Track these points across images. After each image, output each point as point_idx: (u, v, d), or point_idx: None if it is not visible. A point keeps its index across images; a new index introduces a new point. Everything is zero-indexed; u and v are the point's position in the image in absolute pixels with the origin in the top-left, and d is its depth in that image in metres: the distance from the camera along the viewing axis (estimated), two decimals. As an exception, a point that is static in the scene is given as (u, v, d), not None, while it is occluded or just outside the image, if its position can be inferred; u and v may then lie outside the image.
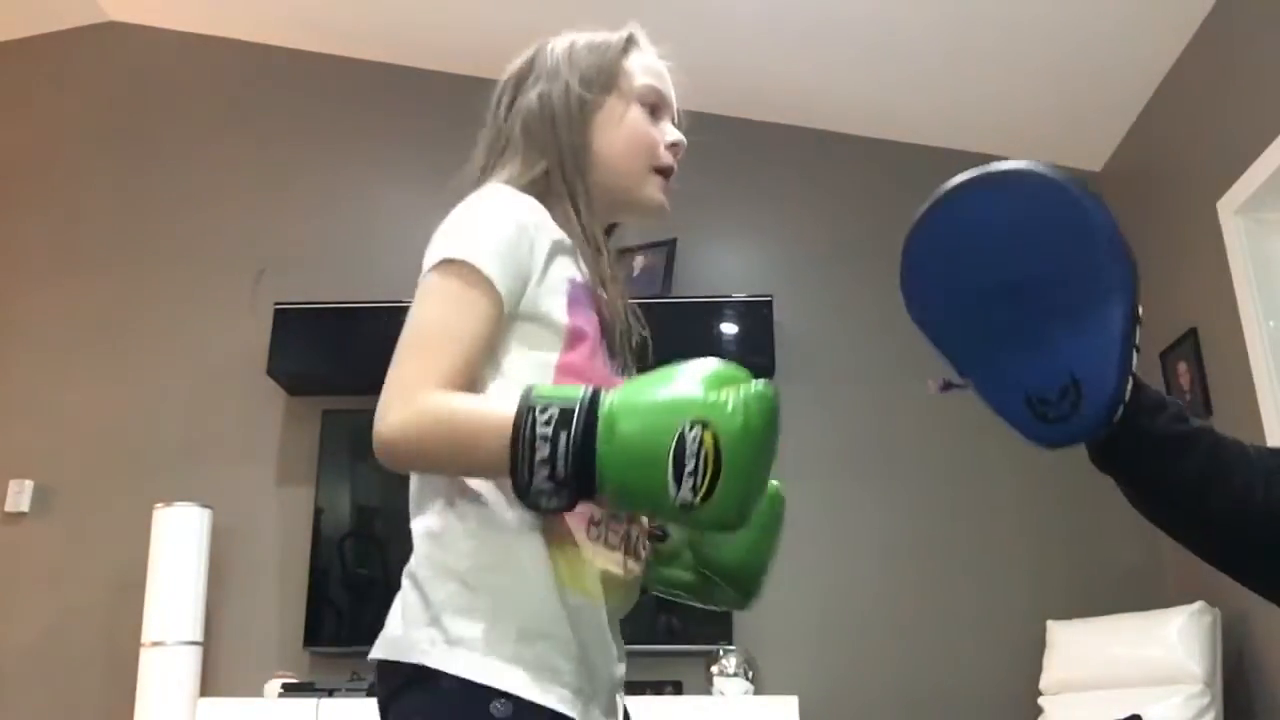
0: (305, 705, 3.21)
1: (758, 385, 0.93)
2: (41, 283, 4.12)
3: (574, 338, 1.07)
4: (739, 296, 3.83)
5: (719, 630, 3.54)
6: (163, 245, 4.15)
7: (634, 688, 3.39)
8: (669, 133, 1.22)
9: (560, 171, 1.15)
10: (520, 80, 1.29)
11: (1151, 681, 3.03)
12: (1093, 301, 0.94)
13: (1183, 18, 3.33)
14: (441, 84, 4.36)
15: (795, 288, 3.98)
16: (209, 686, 3.47)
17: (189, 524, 3.49)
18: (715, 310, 3.79)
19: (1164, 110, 3.64)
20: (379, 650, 1.08)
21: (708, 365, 0.95)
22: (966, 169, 0.96)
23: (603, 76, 1.19)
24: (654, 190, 1.23)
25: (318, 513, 3.71)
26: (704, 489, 0.90)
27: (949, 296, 1.02)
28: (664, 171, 1.23)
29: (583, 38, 1.27)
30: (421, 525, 1.09)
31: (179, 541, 3.46)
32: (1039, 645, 3.38)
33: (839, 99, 4.05)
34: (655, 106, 1.22)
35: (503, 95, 1.31)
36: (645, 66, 1.24)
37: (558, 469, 0.91)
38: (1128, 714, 2.79)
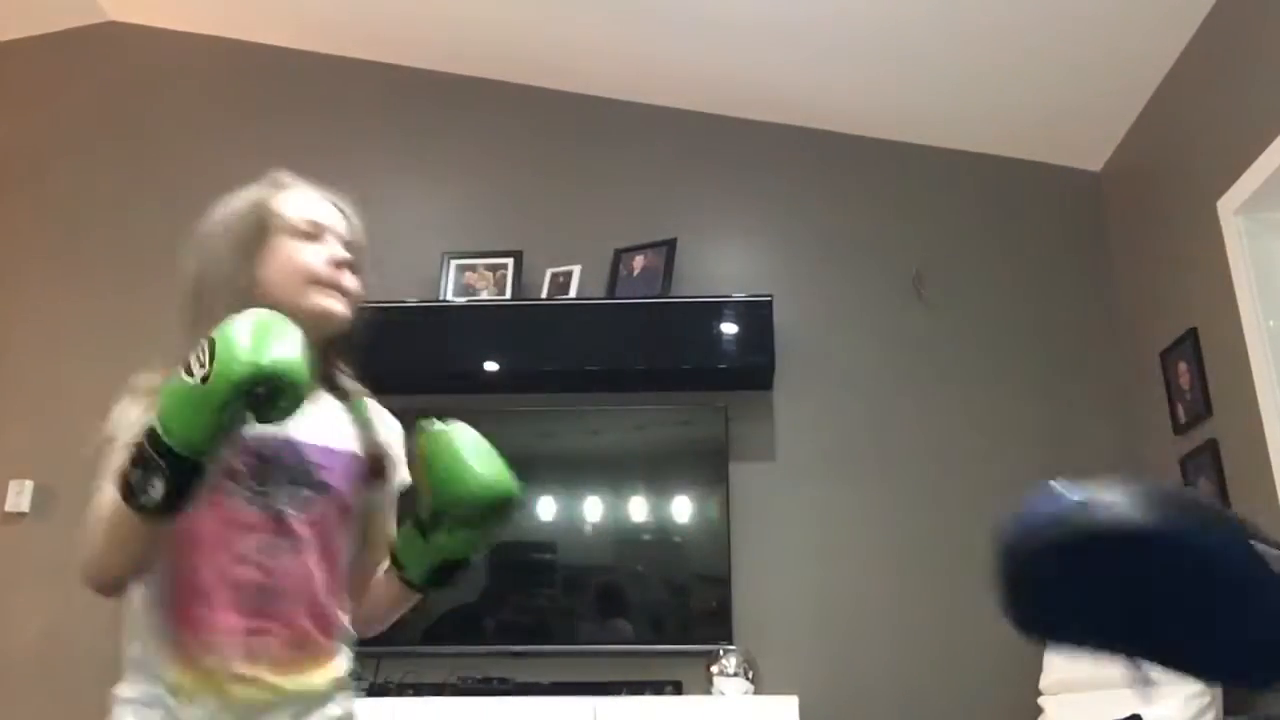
0: (305, 705, 3.21)
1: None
2: (41, 283, 4.12)
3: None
4: (739, 296, 3.83)
5: (719, 630, 3.54)
6: (162, 245, 4.13)
7: (634, 688, 3.41)
8: (324, 251, 1.39)
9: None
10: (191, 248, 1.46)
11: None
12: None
13: (1183, 17, 3.33)
14: (441, 84, 4.36)
15: (795, 288, 3.98)
16: (209, 686, 3.47)
17: (189, 524, 3.49)
18: (715, 310, 3.79)
19: (1164, 110, 3.64)
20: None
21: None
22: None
23: (256, 229, 1.38)
24: (316, 300, 1.37)
25: (318, 513, 3.71)
26: (207, 361, 1.12)
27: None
28: (327, 283, 1.38)
29: (234, 202, 1.44)
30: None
31: (179, 541, 3.46)
32: (1038, 645, 3.38)
33: (839, 99, 4.05)
34: (310, 234, 1.40)
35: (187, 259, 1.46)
36: (296, 202, 1.43)
37: (146, 453, 1.13)
38: (1128, 714, 2.79)
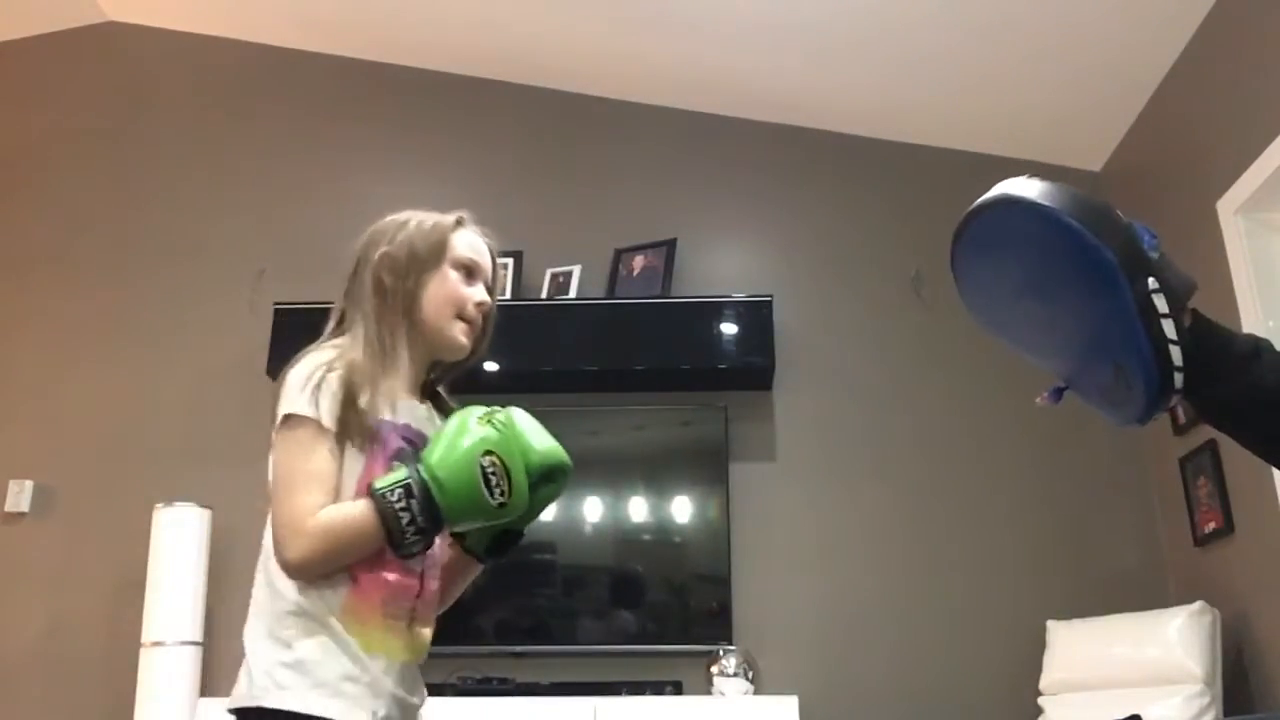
0: (305, 705, 3.21)
1: (507, 410, 1.45)
2: (41, 283, 4.12)
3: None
4: (739, 296, 3.83)
5: (719, 630, 3.54)
6: (162, 245, 4.15)
7: (634, 688, 3.41)
8: (476, 294, 1.58)
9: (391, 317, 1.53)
10: (368, 243, 1.65)
11: (1151, 681, 3.03)
12: (1091, 292, 1.01)
13: (1183, 18, 3.33)
14: (442, 84, 4.36)
15: (795, 288, 3.98)
16: (209, 686, 3.47)
17: (189, 524, 3.49)
18: (715, 310, 3.79)
19: (1164, 110, 3.64)
20: None
21: (469, 413, 1.41)
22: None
23: (434, 252, 1.58)
24: (458, 333, 1.57)
25: (318, 513, 3.71)
26: (507, 491, 1.37)
27: (993, 302, 1.14)
28: (468, 320, 1.58)
29: (423, 217, 1.65)
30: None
31: (179, 541, 3.46)
32: (1039, 645, 3.38)
33: (839, 99, 4.05)
34: (470, 272, 1.59)
35: (360, 252, 1.64)
36: (467, 242, 1.62)
37: (419, 523, 1.33)
38: (1128, 714, 2.79)
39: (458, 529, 1.43)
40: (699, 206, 4.18)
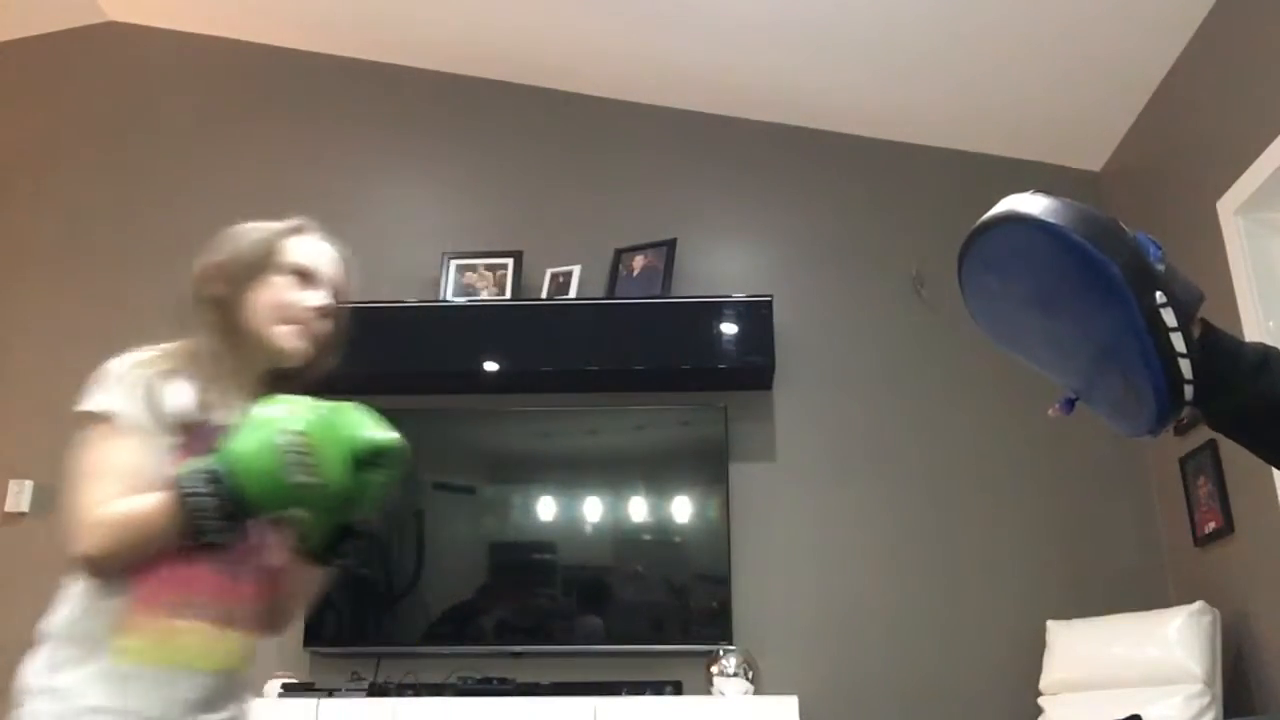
0: (305, 705, 3.21)
1: (302, 398, 1.39)
2: (41, 282, 4.12)
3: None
4: (739, 296, 3.83)
5: (719, 630, 3.54)
6: (162, 245, 4.15)
7: (634, 688, 3.41)
8: (310, 297, 1.58)
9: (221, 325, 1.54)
10: (204, 256, 1.64)
11: (1151, 681, 3.03)
12: (1099, 308, 1.01)
13: (1183, 18, 3.33)
14: (441, 84, 4.36)
15: (795, 288, 3.98)
16: (209, 686, 3.47)
17: (189, 524, 3.49)
18: (715, 310, 3.79)
19: (1164, 110, 3.64)
20: None
21: (276, 400, 1.38)
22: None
23: (258, 261, 1.58)
24: (280, 337, 1.55)
25: (318, 513, 3.71)
26: (315, 473, 1.32)
27: (1002, 317, 1.14)
28: (299, 323, 1.56)
29: (251, 231, 1.66)
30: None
31: (179, 541, 3.46)
32: (1039, 645, 3.38)
33: (839, 99, 4.05)
34: (304, 276, 1.59)
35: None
36: (300, 248, 1.63)
37: (219, 510, 1.30)
38: (1128, 714, 2.79)
39: (269, 513, 1.39)
40: (699, 206, 4.18)
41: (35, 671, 1.39)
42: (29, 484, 3.83)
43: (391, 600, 3.71)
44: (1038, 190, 1.06)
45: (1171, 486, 3.56)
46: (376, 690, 3.33)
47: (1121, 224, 1.03)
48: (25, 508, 3.81)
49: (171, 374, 1.46)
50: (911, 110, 4.03)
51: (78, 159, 4.33)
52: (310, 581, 1.55)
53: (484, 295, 3.95)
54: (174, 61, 4.45)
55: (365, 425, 1.44)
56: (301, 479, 1.31)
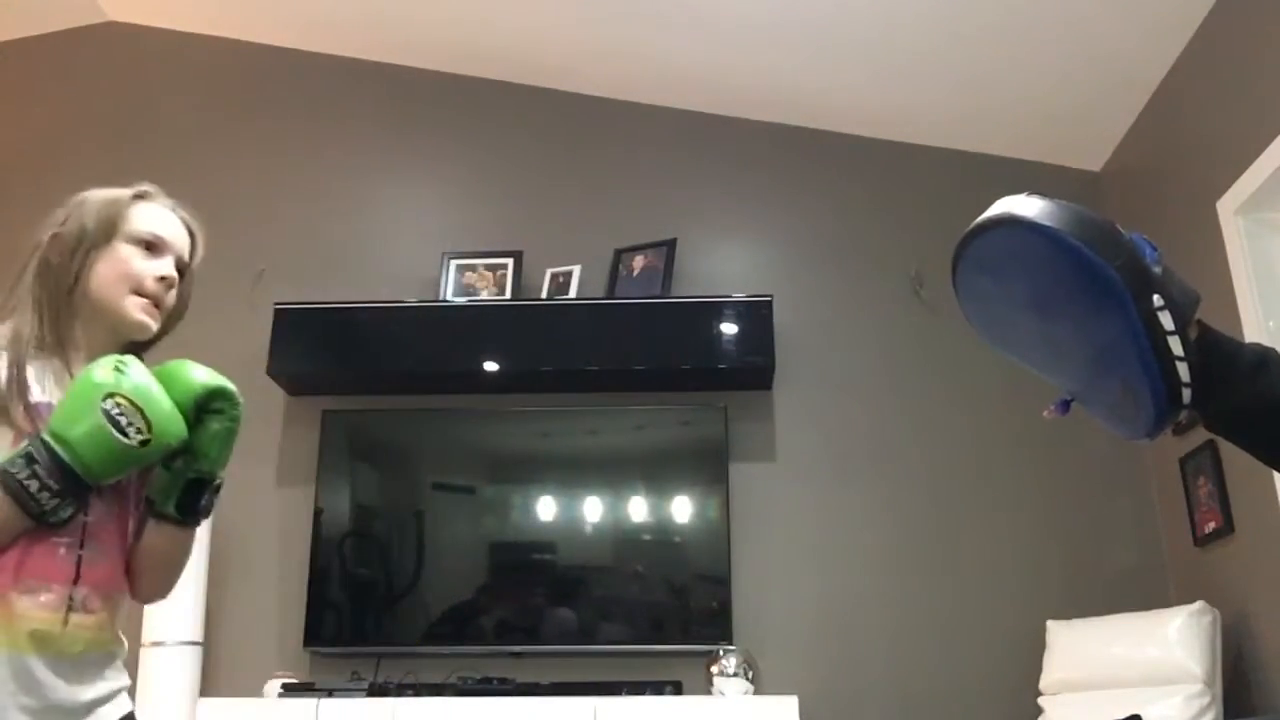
0: (305, 705, 3.21)
1: (120, 356, 1.36)
2: (41, 283, 4.12)
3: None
4: (739, 296, 3.83)
5: (719, 630, 3.54)
6: (163, 245, 4.15)
7: (634, 688, 3.41)
8: (156, 268, 1.51)
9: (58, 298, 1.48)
10: (44, 227, 1.58)
11: (1151, 681, 3.03)
12: (1096, 311, 1.01)
13: (1183, 18, 3.33)
14: (442, 84, 4.36)
15: (795, 288, 3.98)
16: (209, 686, 3.47)
17: (189, 524, 3.49)
18: (715, 310, 3.79)
19: (1164, 110, 3.64)
20: None
21: (91, 367, 1.33)
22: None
23: (103, 229, 1.50)
24: (131, 309, 1.49)
25: (318, 513, 3.72)
26: (145, 428, 1.31)
27: (997, 320, 1.14)
28: (148, 295, 1.51)
29: (101, 193, 1.57)
30: None
31: (179, 541, 3.46)
32: (1039, 645, 3.38)
33: (839, 99, 4.05)
34: (151, 246, 1.52)
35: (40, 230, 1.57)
36: (148, 215, 1.54)
37: (52, 486, 1.27)
38: (1128, 714, 2.79)
39: (109, 478, 1.34)
40: (699, 206, 4.17)
41: None
42: (29, 484, 3.82)
43: (391, 600, 3.71)
44: (1033, 192, 1.05)
45: (1171, 486, 3.56)
46: (376, 690, 3.33)
47: (1118, 226, 1.03)
48: (25, 508, 3.81)
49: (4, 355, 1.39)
50: (911, 110, 4.03)
51: (78, 159, 4.32)
52: (179, 542, 1.49)
53: (484, 295, 3.95)
54: (174, 61, 4.45)
55: (194, 373, 1.42)
56: (131, 437, 1.29)
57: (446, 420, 3.89)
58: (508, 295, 3.94)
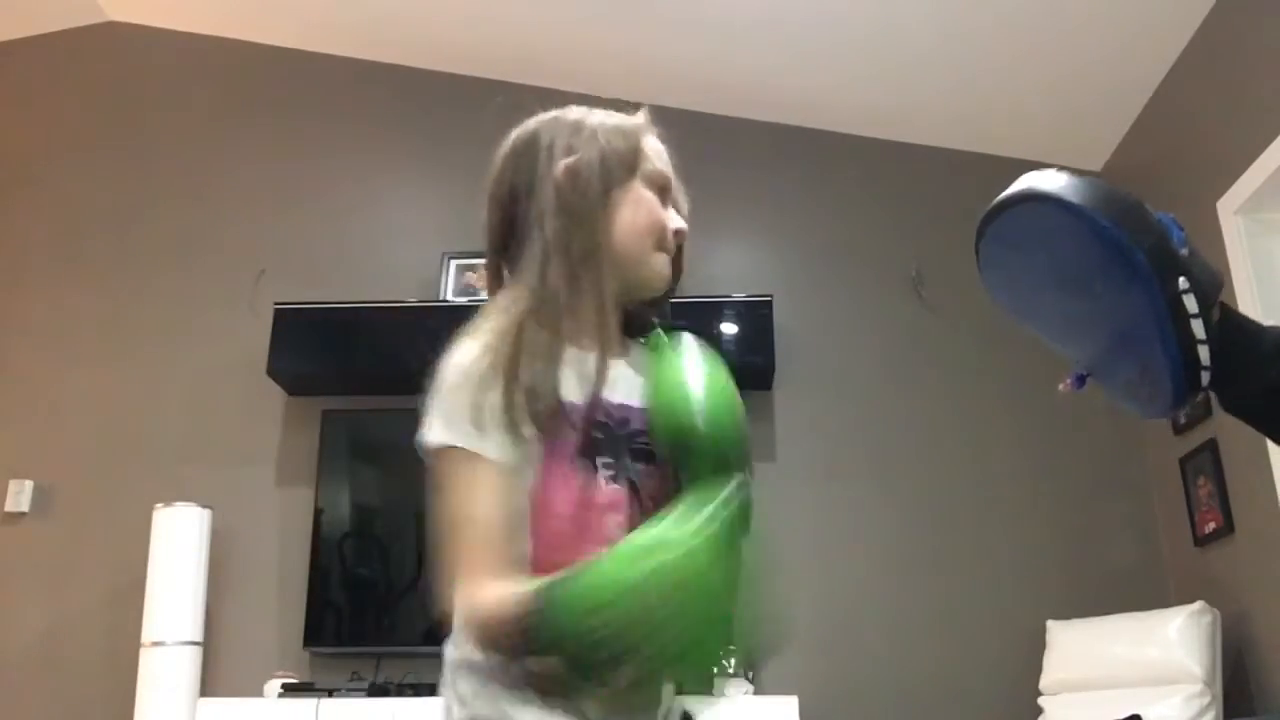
0: (305, 705, 3.21)
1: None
2: (41, 283, 4.12)
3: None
4: (739, 296, 3.83)
5: (719, 630, 3.53)
6: (163, 245, 4.15)
7: (634, 688, 3.39)
8: (674, 219, 1.23)
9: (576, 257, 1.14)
10: (533, 153, 1.24)
11: (1151, 681, 3.03)
12: (1122, 291, 0.99)
13: (1183, 18, 3.33)
14: (442, 84, 4.36)
15: (795, 288, 3.98)
16: (209, 686, 3.47)
17: (189, 524, 3.49)
18: (715, 310, 3.79)
19: (1164, 110, 3.64)
20: None
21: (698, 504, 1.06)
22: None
23: (629, 158, 1.18)
24: (661, 267, 1.22)
25: (318, 513, 3.71)
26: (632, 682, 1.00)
27: (1019, 293, 1.13)
28: (668, 253, 1.23)
29: (603, 116, 1.23)
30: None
31: (179, 542, 3.46)
32: (1038, 645, 3.38)
33: (839, 99, 4.05)
34: (664, 190, 1.23)
35: (518, 167, 1.27)
36: (656, 151, 1.24)
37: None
38: (1128, 714, 2.79)
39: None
40: (699, 206, 4.15)
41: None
42: (29, 484, 3.83)
43: (391, 600, 3.71)
44: (1061, 168, 1.03)
45: (1171, 486, 3.56)
46: (376, 690, 3.33)
47: (1146, 205, 1.01)
48: (25, 508, 3.81)
49: (512, 360, 1.11)
50: (911, 110, 4.03)
51: (78, 159, 4.33)
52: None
53: (484, 295, 3.94)
54: (174, 61, 4.45)
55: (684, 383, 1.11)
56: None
57: (446, 420, 3.88)
58: (508, 295, 3.93)
